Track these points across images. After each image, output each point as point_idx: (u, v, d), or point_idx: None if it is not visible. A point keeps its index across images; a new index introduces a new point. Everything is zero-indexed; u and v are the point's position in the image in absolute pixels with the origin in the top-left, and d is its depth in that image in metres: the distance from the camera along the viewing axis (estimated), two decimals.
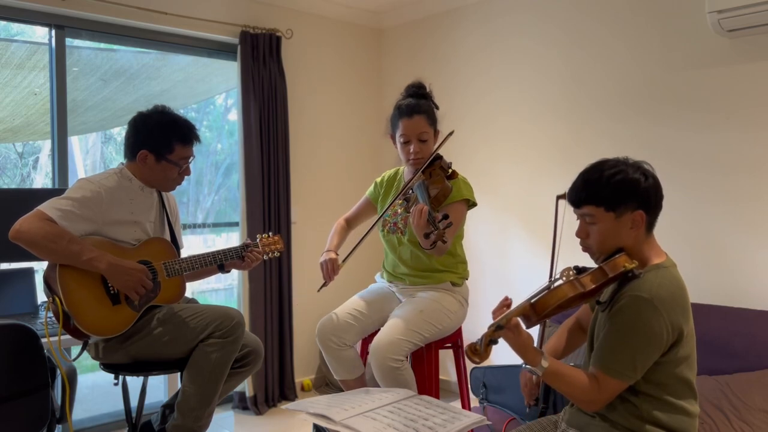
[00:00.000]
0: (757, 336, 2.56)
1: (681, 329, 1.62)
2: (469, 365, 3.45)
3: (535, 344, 1.69)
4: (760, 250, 2.85)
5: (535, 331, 1.93)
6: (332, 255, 2.59)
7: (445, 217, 2.15)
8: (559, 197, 1.87)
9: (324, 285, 2.58)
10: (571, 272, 1.68)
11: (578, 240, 1.78)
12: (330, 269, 2.54)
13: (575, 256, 1.87)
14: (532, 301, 1.66)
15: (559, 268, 1.74)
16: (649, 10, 3.18)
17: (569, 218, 1.84)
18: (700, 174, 3.03)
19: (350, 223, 2.83)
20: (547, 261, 1.91)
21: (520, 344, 1.63)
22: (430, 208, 2.22)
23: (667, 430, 1.64)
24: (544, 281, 1.73)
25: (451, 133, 2.48)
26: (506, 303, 1.71)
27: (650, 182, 1.68)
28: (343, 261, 2.56)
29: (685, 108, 3.08)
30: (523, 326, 1.67)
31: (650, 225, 1.71)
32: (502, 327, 1.61)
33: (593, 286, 1.65)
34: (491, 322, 1.65)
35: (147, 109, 2.35)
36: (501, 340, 1.64)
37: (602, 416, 1.70)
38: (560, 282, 1.66)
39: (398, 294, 2.69)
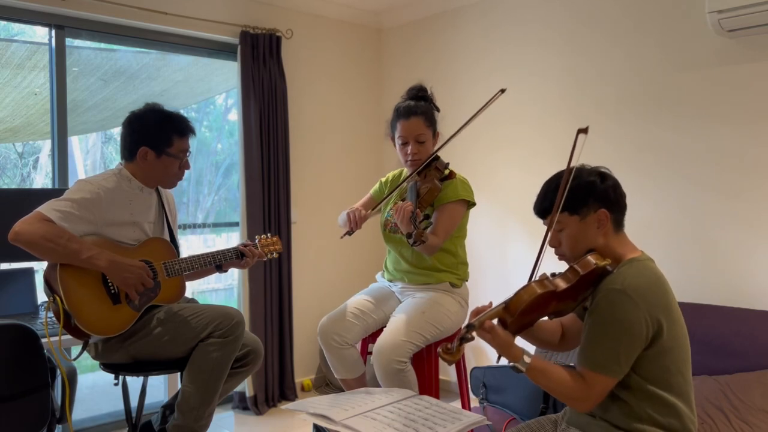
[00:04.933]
0: (757, 336, 2.56)
1: (659, 320, 1.62)
2: (469, 365, 3.45)
3: None
4: (760, 250, 2.85)
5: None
6: (359, 207, 2.59)
7: (427, 217, 2.20)
8: (580, 130, 1.80)
9: (348, 233, 2.53)
10: (545, 276, 1.72)
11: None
12: (357, 218, 2.52)
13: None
14: (507, 302, 1.68)
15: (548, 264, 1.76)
16: (649, 10, 3.18)
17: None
18: (700, 174, 3.03)
19: None
20: (548, 261, 1.90)
21: (499, 343, 1.65)
22: (416, 207, 2.26)
23: (662, 427, 1.64)
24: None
25: (502, 90, 2.46)
26: (479, 309, 1.73)
27: (608, 182, 1.75)
28: (372, 210, 2.58)
29: (685, 108, 3.08)
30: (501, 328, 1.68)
31: (618, 223, 1.76)
32: (474, 327, 1.64)
33: (565, 286, 1.67)
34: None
35: (138, 109, 2.36)
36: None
37: (601, 416, 1.70)
38: (532, 281, 1.69)
39: (397, 294, 2.69)
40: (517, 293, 1.67)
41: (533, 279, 1.72)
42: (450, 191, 2.50)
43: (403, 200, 2.53)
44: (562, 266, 1.78)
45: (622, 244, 1.76)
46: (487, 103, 2.46)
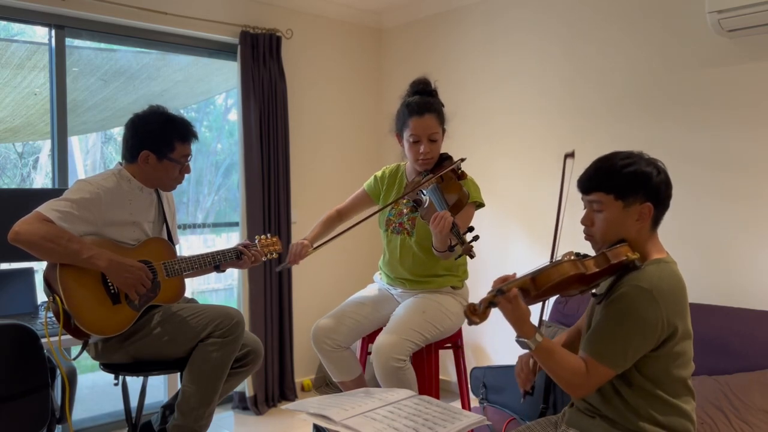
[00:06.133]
0: (757, 336, 2.56)
1: (675, 326, 1.62)
2: (469, 365, 3.45)
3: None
4: (760, 249, 2.85)
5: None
6: (304, 241, 2.58)
7: (471, 229, 2.11)
8: (567, 155, 1.84)
9: (285, 265, 2.55)
10: (572, 255, 1.69)
11: (581, 230, 1.78)
12: (296, 253, 2.52)
13: (576, 245, 1.86)
14: (534, 275, 1.65)
15: (562, 249, 1.74)
16: (649, 10, 3.18)
17: (571, 210, 1.83)
18: (700, 173, 3.03)
19: (342, 215, 2.77)
20: (548, 260, 1.90)
21: (517, 316, 1.63)
22: (454, 219, 2.15)
23: (662, 426, 1.64)
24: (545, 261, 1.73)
25: (462, 159, 2.43)
26: (505, 277, 1.72)
27: (662, 177, 1.72)
28: (313, 249, 2.55)
29: (685, 107, 3.08)
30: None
31: (656, 220, 1.73)
32: (503, 292, 1.61)
33: (595, 270, 1.65)
34: (493, 311, 1.65)
35: (142, 110, 2.35)
36: (498, 312, 1.64)
37: (602, 416, 1.70)
38: (563, 260, 1.67)
39: (397, 297, 2.67)
40: (546, 269, 1.64)
41: (555, 251, 1.69)
42: (468, 198, 2.43)
43: (416, 202, 2.44)
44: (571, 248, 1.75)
45: (652, 242, 1.73)
46: (450, 167, 2.39)
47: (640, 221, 1.70)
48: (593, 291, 1.79)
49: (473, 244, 2.08)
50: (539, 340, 1.63)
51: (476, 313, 1.61)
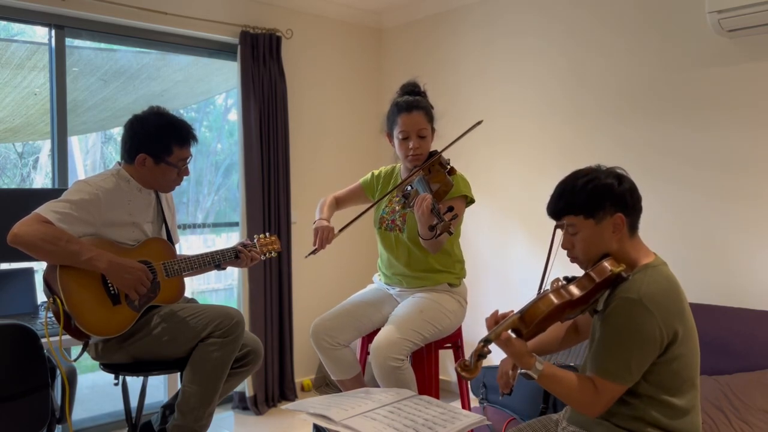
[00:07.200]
0: (757, 336, 2.56)
1: (675, 329, 1.61)
2: None
3: None
4: (760, 250, 2.85)
5: None
6: (327, 223, 2.51)
7: (450, 209, 2.13)
8: (557, 226, 1.83)
9: (314, 251, 2.47)
10: (559, 282, 1.69)
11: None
12: (324, 236, 2.45)
13: (573, 267, 1.86)
14: (521, 312, 1.65)
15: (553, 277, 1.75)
16: (649, 10, 3.18)
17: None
18: (700, 173, 3.03)
19: (339, 203, 2.77)
20: (556, 264, 1.89)
21: (513, 353, 1.63)
22: (434, 200, 2.18)
23: (666, 430, 1.64)
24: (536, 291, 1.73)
25: (479, 122, 2.45)
26: (496, 317, 1.72)
27: (625, 185, 1.71)
28: (340, 230, 2.49)
29: (685, 107, 3.08)
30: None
31: (632, 227, 1.72)
32: (490, 341, 1.62)
33: (581, 294, 1.65)
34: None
35: (142, 111, 2.34)
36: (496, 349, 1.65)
37: (604, 416, 1.70)
38: (547, 291, 1.67)
39: (396, 297, 2.68)
40: (533, 304, 1.64)
41: (544, 284, 1.69)
42: (454, 186, 2.47)
43: (405, 197, 2.47)
44: (571, 268, 1.76)
45: (636, 248, 1.73)
46: (464, 133, 2.43)
47: (616, 232, 1.69)
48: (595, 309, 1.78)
49: (451, 222, 2.09)
50: (540, 368, 1.63)
51: (467, 369, 1.61)
